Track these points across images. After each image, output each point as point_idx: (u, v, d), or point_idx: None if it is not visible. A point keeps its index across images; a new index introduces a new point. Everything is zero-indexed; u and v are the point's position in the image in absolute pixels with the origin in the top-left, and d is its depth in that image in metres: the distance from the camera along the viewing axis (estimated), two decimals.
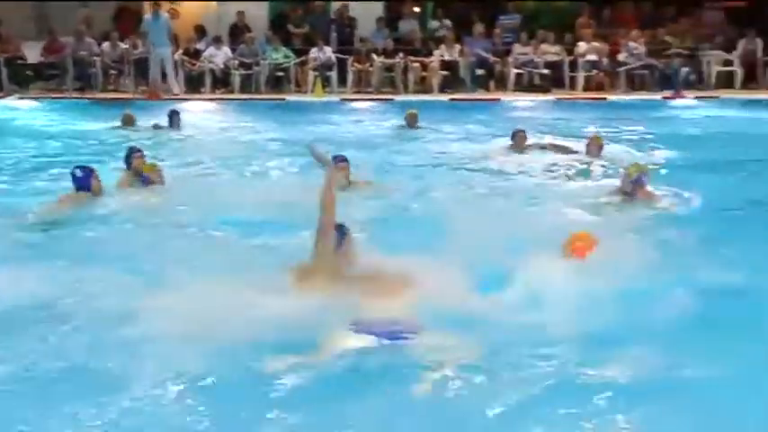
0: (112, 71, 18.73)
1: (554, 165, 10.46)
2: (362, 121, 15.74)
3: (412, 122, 13.96)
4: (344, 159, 7.82)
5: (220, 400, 3.74)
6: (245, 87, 18.67)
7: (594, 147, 10.79)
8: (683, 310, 4.61)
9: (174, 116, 13.59)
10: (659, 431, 3.57)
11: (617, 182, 8.39)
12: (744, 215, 7.77)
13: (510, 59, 19.52)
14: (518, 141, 11.37)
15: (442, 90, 19.08)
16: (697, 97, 18.84)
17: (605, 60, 19.80)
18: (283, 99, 18.15)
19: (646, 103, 18.39)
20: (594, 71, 19.63)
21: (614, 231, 6.28)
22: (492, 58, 19.62)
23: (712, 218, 7.51)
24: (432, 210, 7.57)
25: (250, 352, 4.01)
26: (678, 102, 18.59)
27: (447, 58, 19.34)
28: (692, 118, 16.68)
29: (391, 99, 18.24)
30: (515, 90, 19.34)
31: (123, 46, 18.75)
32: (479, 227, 6.04)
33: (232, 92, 18.60)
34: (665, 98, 18.80)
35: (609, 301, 4.60)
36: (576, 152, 11.10)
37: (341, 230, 4.86)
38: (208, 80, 18.72)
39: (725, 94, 19.05)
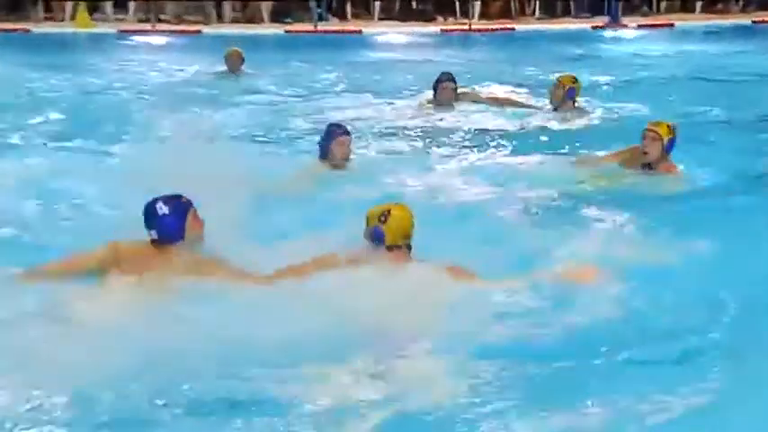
0: None
1: (498, 125, 10.44)
2: (155, 64, 15.28)
3: (234, 65, 13.51)
4: (346, 132, 8.11)
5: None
6: None
7: (561, 92, 10.49)
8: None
9: None
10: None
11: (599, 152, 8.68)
12: (713, 182, 8.08)
13: None
14: (443, 93, 11.07)
15: (276, 19, 19.06)
16: (642, 26, 19.39)
17: None
18: (26, 30, 17.68)
19: (570, 34, 18.55)
20: None
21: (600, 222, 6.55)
22: None
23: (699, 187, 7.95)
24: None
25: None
26: (615, 32, 18.85)
27: None
28: (635, 55, 16.85)
29: (198, 31, 18.03)
30: (384, 18, 19.50)
31: None
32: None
33: None
34: (596, 27, 19.21)
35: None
36: (526, 105, 11.29)
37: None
38: None
39: (681, 20, 19.48)
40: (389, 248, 5.27)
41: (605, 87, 12.97)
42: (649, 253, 5.85)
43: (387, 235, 5.26)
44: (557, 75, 11.18)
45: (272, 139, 10.01)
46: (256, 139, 9.90)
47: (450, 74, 11.25)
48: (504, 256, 5.77)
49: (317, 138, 8.33)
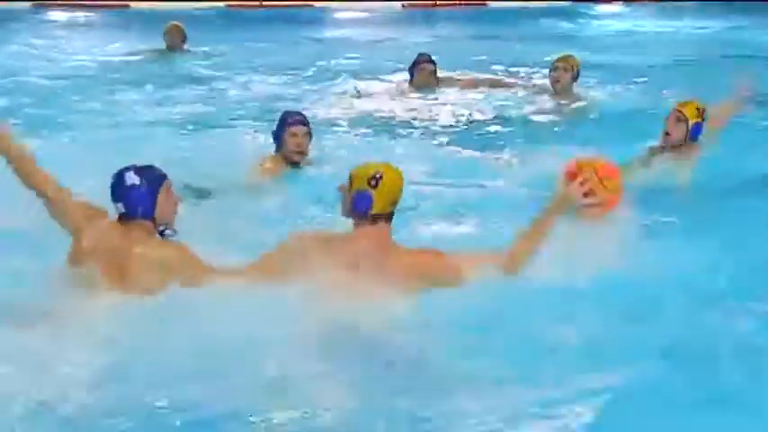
0: None
1: (493, 113, 10.17)
2: (78, 42, 15.04)
3: (175, 42, 13.30)
4: (302, 121, 7.83)
5: None
6: None
7: (568, 75, 10.17)
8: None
9: None
10: None
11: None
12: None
13: None
14: (422, 76, 10.85)
15: None
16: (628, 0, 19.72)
17: None
18: None
19: (548, 10, 18.82)
20: None
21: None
22: None
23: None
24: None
25: None
26: (599, 8, 19.17)
27: None
28: (621, 33, 16.89)
29: (125, 6, 18.24)
30: None
31: None
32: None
33: None
34: (577, 1, 19.56)
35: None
36: (514, 87, 11.17)
37: None
38: None
39: None
40: (374, 219, 4.92)
41: (593, 69, 12.29)
42: (650, 252, 5.64)
43: (376, 201, 4.87)
44: (558, 55, 10.77)
45: (219, 129, 9.70)
46: (200, 128, 9.62)
47: (429, 55, 11.06)
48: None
49: (270, 126, 8.21)
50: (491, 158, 8.48)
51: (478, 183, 7.71)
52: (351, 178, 4.95)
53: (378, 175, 4.88)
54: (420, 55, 11.01)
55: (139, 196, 5.06)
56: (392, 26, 17.32)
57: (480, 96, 10.81)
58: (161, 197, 5.10)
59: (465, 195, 7.32)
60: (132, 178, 5.06)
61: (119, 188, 5.06)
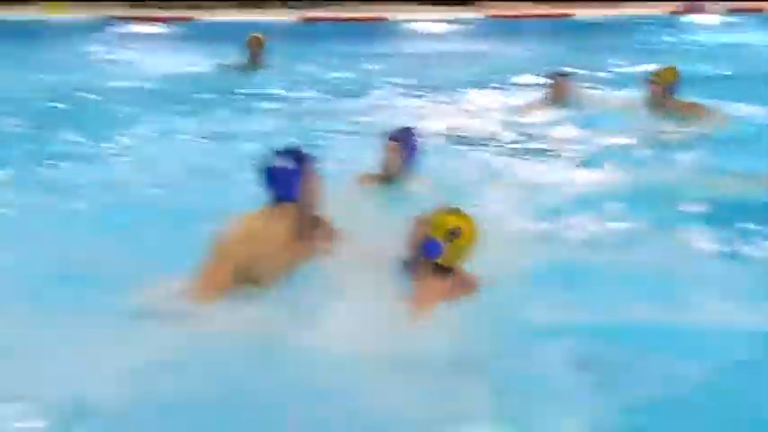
0: None
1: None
2: (151, 56, 15.22)
3: (256, 54, 13.38)
4: (392, 136, 7.78)
5: None
6: None
7: (657, 88, 10.15)
8: None
9: None
10: None
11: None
12: None
13: None
14: (558, 90, 10.97)
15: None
16: (730, 10, 19.44)
17: None
18: None
19: (641, 21, 18.69)
20: None
21: None
22: None
23: None
24: None
25: None
26: (696, 18, 18.98)
27: None
28: (720, 46, 16.59)
29: (190, 18, 18.57)
30: (413, 0, 19.86)
31: None
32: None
33: None
34: (673, 13, 19.34)
35: None
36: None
37: None
38: None
39: None
40: (436, 266, 5.24)
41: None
42: None
43: (446, 253, 5.22)
44: (654, 67, 10.80)
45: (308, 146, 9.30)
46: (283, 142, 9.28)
47: (567, 72, 11.26)
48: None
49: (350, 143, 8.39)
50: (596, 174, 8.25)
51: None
52: (431, 224, 5.24)
53: (458, 229, 5.20)
54: (557, 70, 11.17)
55: (284, 179, 5.26)
56: (470, 38, 17.66)
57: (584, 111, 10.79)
58: (305, 179, 5.27)
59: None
60: (277, 161, 5.26)
61: (263, 172, 5.29)
